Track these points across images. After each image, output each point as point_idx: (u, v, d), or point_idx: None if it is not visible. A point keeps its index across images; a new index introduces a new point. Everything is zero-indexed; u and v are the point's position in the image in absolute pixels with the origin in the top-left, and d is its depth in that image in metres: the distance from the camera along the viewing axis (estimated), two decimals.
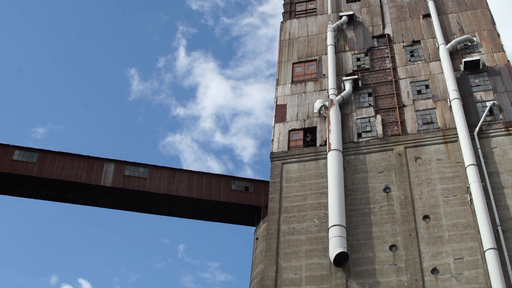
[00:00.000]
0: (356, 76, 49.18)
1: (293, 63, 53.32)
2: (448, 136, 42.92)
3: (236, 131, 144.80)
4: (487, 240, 35.37)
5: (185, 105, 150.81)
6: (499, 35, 49.73)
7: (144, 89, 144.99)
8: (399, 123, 44.95)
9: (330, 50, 52.04)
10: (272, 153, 45.83)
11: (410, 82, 48.01)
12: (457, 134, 42.40)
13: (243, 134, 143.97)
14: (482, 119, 42.70)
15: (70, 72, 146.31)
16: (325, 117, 46.61)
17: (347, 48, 53.03)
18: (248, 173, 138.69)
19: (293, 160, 44.88)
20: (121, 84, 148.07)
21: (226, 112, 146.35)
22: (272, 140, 47.01)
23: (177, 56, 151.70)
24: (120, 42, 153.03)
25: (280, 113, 49.16)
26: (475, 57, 47.94)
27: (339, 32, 55.05)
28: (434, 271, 36.08)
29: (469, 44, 49.71)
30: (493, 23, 51.18)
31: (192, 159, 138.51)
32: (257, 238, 48.50)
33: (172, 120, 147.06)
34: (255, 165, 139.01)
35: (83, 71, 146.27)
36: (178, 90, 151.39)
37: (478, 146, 41.27)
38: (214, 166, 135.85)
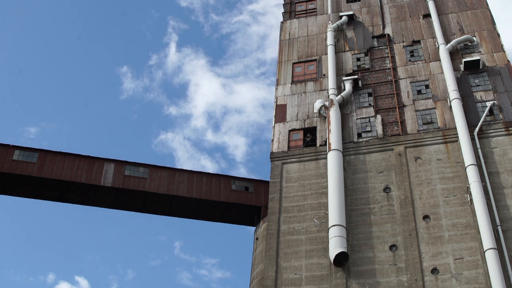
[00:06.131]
0: (356, 76, 49.17)
1: (293, 63, 53.32)
2: (448, 136, 42.92)
3: (227, 130, 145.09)
4: (487, 240, 35.37)
5: (177, 103, 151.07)
6: (499, 35, 49.73)
7: (136, 87, 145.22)
8: (399, 123, 44.96)
9: (330, 50, 52.03)
10: (272, 153, 45.83)
11: (410, 82, 48.01)
12: (457, 134, 42.40)
13: (235, 132, 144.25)
14: (482, 119, 42.70)
15: (63, 71, 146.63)
16: (325, 117, 46.61)
17: (347, 48, 53.04)
18: (242, 172, 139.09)
19: (293, 160, 44.88)
20: (114, 82, 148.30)
21: (217, 110, 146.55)
22: (272, 140, 47.01)
23: (168, 52, 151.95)
24: (114, 40, 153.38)
25: (280, 113, 49.15)
26: (475, 57, 47.93)
27: (339, 32, 55.06)
28: (434, 271, 36.08)
29: (469, 44, 49.71)
30: (493, 23, 51.18)
31: (186, 158, 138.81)
32: (257, 238, 48.50)
33: (165, 119, 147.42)
34: (248, 163, 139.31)
35: (77, 70, 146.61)
36: (169, 88, 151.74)
37: (478, 146, 41.27)
38: (208, 165, 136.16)
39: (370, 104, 47.31)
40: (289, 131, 47.39)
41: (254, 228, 51.32)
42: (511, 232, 36.55)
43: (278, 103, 50.11)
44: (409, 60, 50.05)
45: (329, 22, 55.84)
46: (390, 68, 49.76)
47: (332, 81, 48.83)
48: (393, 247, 37.95)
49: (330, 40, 52.98)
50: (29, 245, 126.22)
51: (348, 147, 44.28)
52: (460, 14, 53.14)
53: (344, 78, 49.11)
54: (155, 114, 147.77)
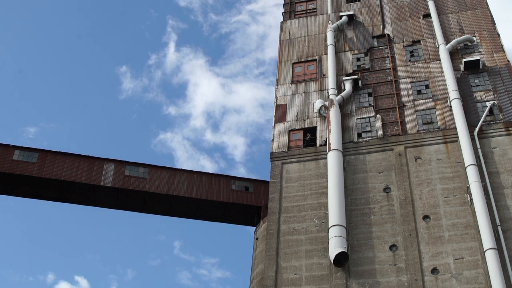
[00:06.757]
0: (356, 76, 49.17)
1: (293, 63, 53.32)
2: (448, 136, 42.92)
3: (226, 130, 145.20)
4: (487, 240, 35.37)
5: (176, 102, 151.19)
6: (499, 35, 49.73)
7: (135, 86, 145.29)
8: (399, 123, 44.96)
9: (330, 50, 52.03)
10: (272, 153, 45.83)
11: (410, 82, 48.01)
12: (457, 134, 42.40)
13: (234, 132, 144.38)
14: (482, 119, 42.69)
15: (63, 70, 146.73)
16: (325, 117, 46.61)
17: (347, 48, 53.03)
18: (241, 172, 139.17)
19: (293, 160, 44.88)
20: (113, 82, 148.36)
21: (216, 110, 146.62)
22: (272, 140, 47.01)
23: (167, 52, 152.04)
24: (113, 40, 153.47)
25: (280, 113, 49.15)
26: (475, 57, 47.93)
27: (339, 32, 55.05)
28: (434, 271, 36.08)
29: (469, 44, 49.71)
30: (493, 23, 51.18)
31: (185, 158, 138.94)
32: (257, 238, 48.51)
33: (164, 118, 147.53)
34: (247, 163, 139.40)
35: (76, 69, 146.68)
36: (168, 88, 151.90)
37: (478, 146, 41.27)
38: (207, 165, 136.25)
39: (370, 104, 47.31)
40: (289, 131, 47.38)
41: (254, 228, 51.33)
42: (511, 232, 36.55)
43: (278, 103, 50.10)
44: (409, 60, 50.05)
45: (329, 22, 55.84)
46: (390, 68, 49.76)
47: (332, 81, 48.83)
48: (393, 247, 37.95)
49: (330, 40, 52.97)
50: (29, 245, 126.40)
51: (348, 147, 44.28)
52: (460, 14, 53.14)
53: (344, 78, 49.10)
54: (154, 114, 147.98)
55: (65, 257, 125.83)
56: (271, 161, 45.26)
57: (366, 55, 51.80)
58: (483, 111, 43.70)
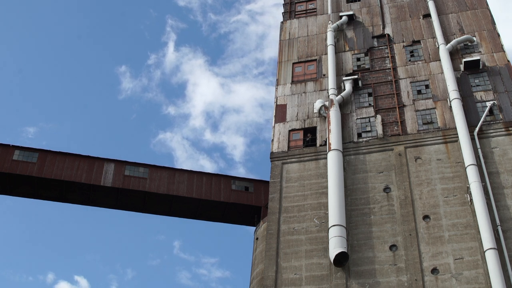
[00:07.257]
0: (356, 76, 49.17)
1: (293, 63, 53.31)
2: (448, 136, 42.92)
3: (225, 129, 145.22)
4: (487, 240, 35.37)
5: (175, 102, 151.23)
6: (499, 35, 49.73)
7: (134, 86, 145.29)
8: (399, 123, 44.96)
9: (330, 50, 52.03)
10: (272, 153, 45.83)
11: (410, 82, 48.01)
12: (457, 134, 42.40)
13: (233, 132, 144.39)
14: (482, 119, 42.70)
15: (62, 70, 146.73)
16: (325, 117, 46.61)
17: (347, 48, 53.03)
18: (240, 172, 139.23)
19: (293, 160, 44.88)
20: (113, 82, 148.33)
21: (215, 109, 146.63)
22: (272, 140, 47.01)
23: (167, 51, 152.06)
24: (112, 40, 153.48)
25: (280, 113, 49.15)
26: (475, 57, 47.93)
27: (339, 32, 55.06)
28: (434, 271, 36.09)
29: (469, 44, 49.71)
30: (493, 23, 51.18)
31: (185, 158, 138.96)
32: (257, 238, 48.51)
33: (163, 118, 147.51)
34: (246, 163, 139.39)
35: (75, 69, 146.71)
36: (167, 87, 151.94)
37: (478, 146, 41.27)
38: (207, 165, 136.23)
39: (370, 104, 47.31)
40: (289, 131, 47.39)
41: (254, 228, 51.34)
42: (511, 232, 36.55)
43: (278, 103, 50.10)
44: (409, 60, 50.05)
45: (329, 22, 55.84)
46: (390, 68, 49.76)
47: (332, 81, 48.83)
48: (393, 247, 37.95)
49: (330, 40, 52.97)
50: (29, 245, 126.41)
51: (348, 147, 44.28)
52: (460, 14, 53.14)
53: (344, 78, 49.10)
54: (153, 113, 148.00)
55: (65, 257, 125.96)
56: (271, 161, 45.26)
57: (366, 55, 51.80)
58: (483, 111, 43.71)
